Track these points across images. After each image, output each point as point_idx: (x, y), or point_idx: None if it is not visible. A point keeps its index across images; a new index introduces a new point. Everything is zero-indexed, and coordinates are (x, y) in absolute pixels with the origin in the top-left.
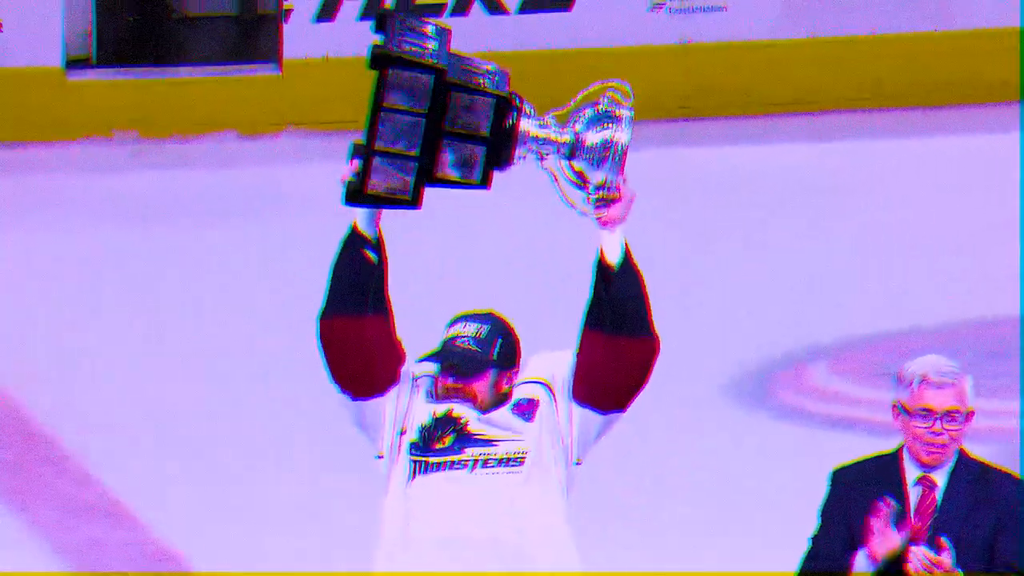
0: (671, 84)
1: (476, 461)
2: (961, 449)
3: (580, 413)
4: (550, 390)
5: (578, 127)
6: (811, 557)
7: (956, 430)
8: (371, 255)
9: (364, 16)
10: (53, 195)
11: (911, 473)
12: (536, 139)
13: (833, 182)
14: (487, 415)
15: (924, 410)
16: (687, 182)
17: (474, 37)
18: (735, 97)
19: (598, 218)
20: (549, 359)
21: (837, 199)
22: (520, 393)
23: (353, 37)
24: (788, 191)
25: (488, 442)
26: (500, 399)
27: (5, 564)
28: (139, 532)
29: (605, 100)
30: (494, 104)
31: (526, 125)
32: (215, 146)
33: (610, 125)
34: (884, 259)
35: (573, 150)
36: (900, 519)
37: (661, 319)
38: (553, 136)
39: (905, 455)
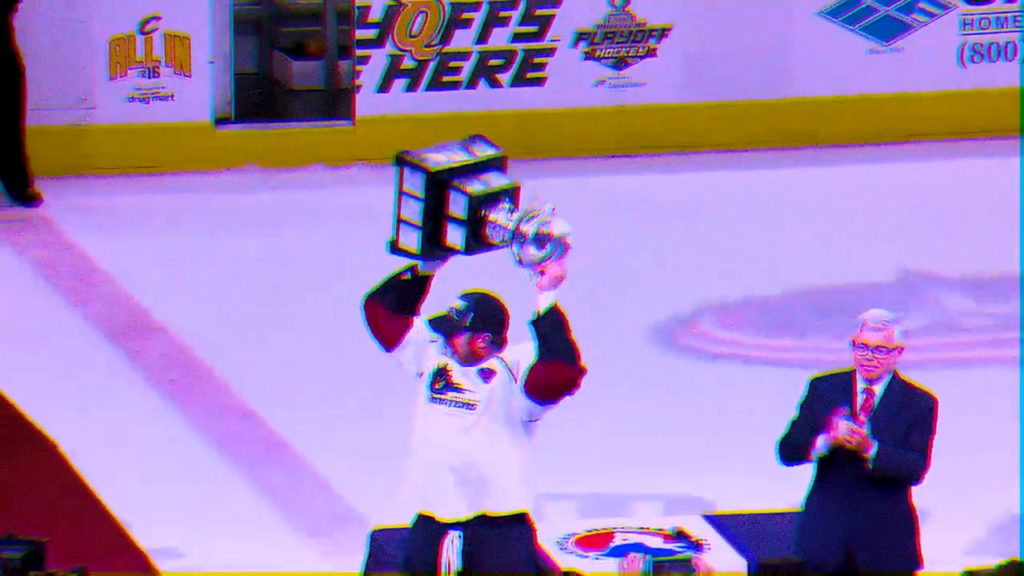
0: (610, 133)
1: (449, 401)
2: (895, 371)
3: (524, 399)
4: (511, 371)
5: (522, 225)
6: (790, 432)
7: (883, 359)
8: (407, 276)
9: (408, 89)
10: (204, 207)
11: (859, 385)
12: (498, 225)
13: (716, 195)
14: (464, 368)
15: (862, 344)
16: (621, 198)
17: (481, 103)
18: (652, 141)
19: (536, 284)
20: (522, 349)
21: (720, 208)
22: (489, 363)
23: (401, 103)
24: (690, 202)
25: (459, 390)
26: (476, 353)
27: (181, 452)
28: (265, 428)
29: (544, 211)
30: (467, 200)
31: (494, 216)
32: (309, 174)
33: (531, 225)
34: (748, 243)
35: (514, 237)
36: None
37: (606, 289)
38: (509, 226)
39: (856, 373)
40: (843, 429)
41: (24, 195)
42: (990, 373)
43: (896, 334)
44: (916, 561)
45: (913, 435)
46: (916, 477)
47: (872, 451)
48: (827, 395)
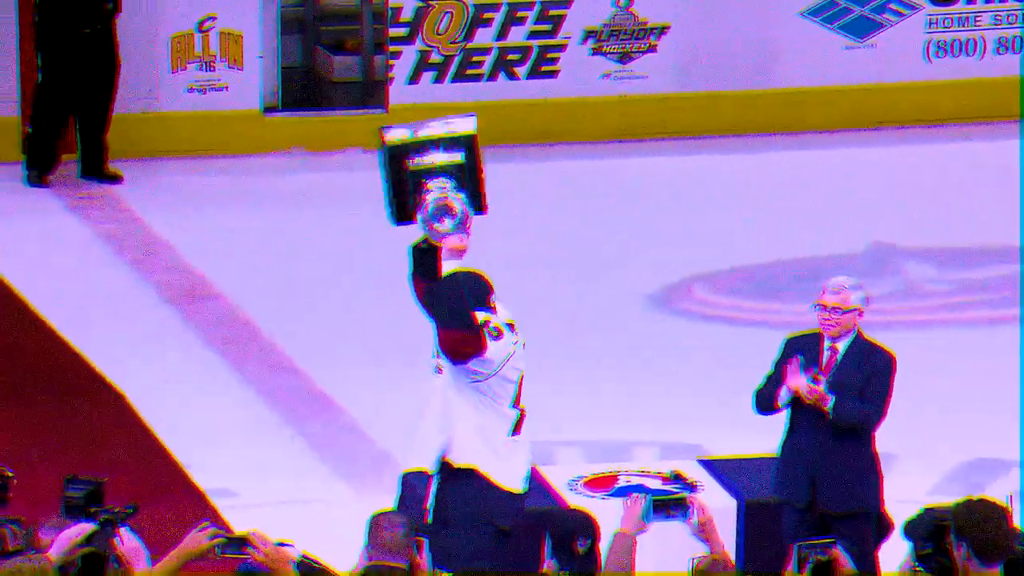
0: (614, 120)
1: (434, 367)
2: (858, 331)
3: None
4: None
5: (427, 197)
6: (765, 386)
7: (838, 319)
8: (423, 245)
9: (435, 81)
10: (254, 186)
11: (825, 343)
12: (424, 194)
13: (709, 176)
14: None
15: (821, 306)
16: (624, 179)
17: (500, 93)
18: (651, 128)
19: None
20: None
21: (712, 187)
22: None
23: (429, 93)
24: (685, 182)
25: (437, 357)
26: None
27: (233, 403)
28: (308, 382)
29: (438, 189)
30: (407, 174)
31: (430, 185)
32: (348, 157)
33: (431, 197)
34: (737, 218)
35: (419, 208)
36: (804, 367)
37: (607, 260)
38: (424, 198)
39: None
40: (802, 387)
41: (104, 174)
42: (950, 334)
43: (852, 298)
44: (874, 503)
45: (869, 389)
46: (870, 426)
47: (829, 404)
48: (798, 352)
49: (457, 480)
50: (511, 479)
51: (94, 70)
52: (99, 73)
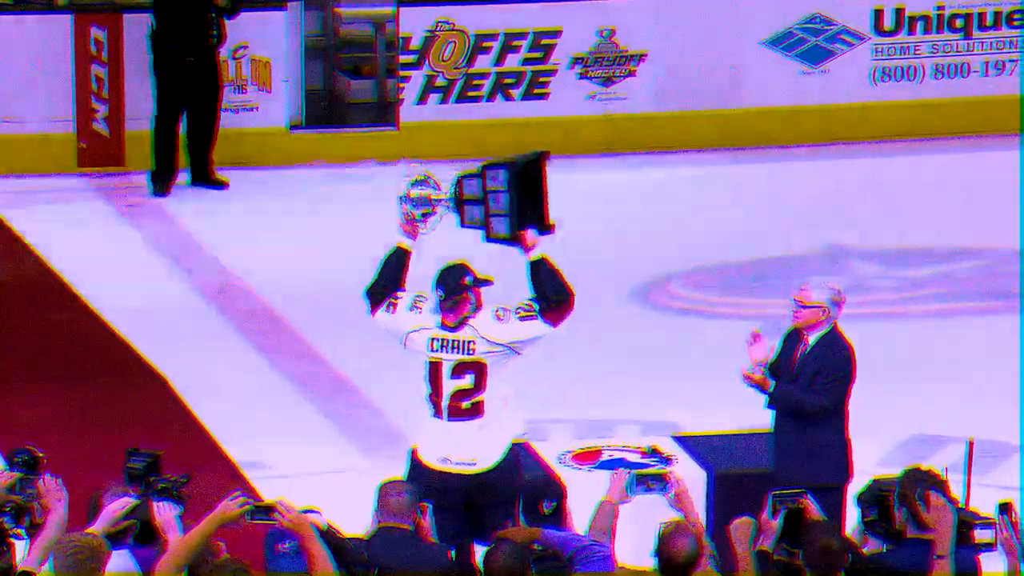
0: (599, 137)
1: None
2: (834, 326)
3: None
4: None
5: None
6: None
7: (799, 312)
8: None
9: (440, 102)
10: (281, 194)
11: (806, 335)
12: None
13: (683, 186)
14: None
15: (792, 300)
16: (606, 189)
17: (497, 113)
18: (633, 143)
19: None
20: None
21: (686, 196)
22: None
23: (436, 112)
24: (663, 192)
25: None
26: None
27: (263, 385)
28: (330, 367)
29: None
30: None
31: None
32: (363, 168)
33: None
34: (708, 223)
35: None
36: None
37: (595, 259)
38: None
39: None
40: (752, 372)
41: (212, 180)
42: (893, 324)
43: (812, 296)
44: (830, 478)
45: (819, 378)
46: (810, 411)
47: (769, 388)
48: (787, 342)
49: None
50: (427, 453)
51: (201, 94)
52: (205, 96)
